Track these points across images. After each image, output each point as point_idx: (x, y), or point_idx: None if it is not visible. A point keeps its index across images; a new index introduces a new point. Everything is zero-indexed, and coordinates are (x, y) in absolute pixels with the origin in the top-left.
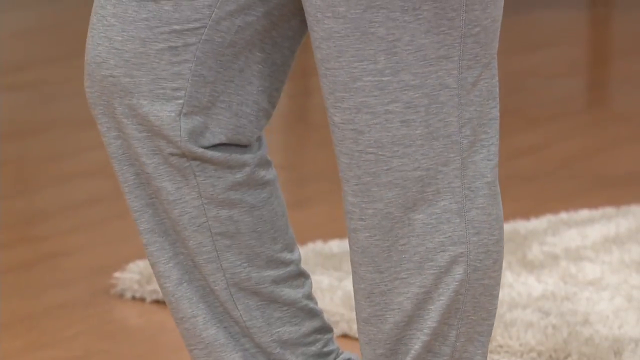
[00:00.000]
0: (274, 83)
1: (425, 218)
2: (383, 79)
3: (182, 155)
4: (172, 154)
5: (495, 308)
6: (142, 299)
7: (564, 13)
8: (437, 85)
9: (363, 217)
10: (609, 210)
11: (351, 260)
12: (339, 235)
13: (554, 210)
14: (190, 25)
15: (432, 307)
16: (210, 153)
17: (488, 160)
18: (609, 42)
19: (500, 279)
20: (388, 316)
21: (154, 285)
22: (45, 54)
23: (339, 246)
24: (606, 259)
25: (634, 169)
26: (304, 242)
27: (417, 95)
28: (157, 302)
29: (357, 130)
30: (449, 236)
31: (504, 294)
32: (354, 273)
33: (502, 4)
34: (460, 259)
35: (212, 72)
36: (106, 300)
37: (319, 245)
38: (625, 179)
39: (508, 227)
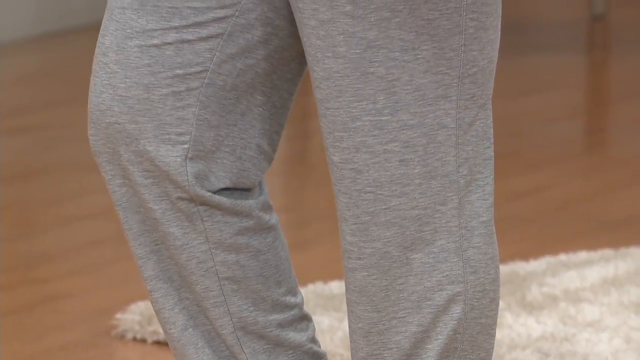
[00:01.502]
0: (274, 126)
1: (423, 257)
2: (382, 118)
3: (190, 199)
4: (180, 199)
5: (492, 347)
6: (144, 340)
7: (562, 57)
8: (435, 125)
9: (361, 257)
10: (608, 252)
11: (348, 300)
12: (339, 276)
13: (553, 252)
14: (193, 69)
15: (430, 346)
16: (217, 198)
17: (484, 199)
18: (607, 87)
19: (496, 317)
20: (386, 355)
21: (155, 326)
22: (47, 99)
23: (339, 287)
24: (605, 300)
25: (632, 212)
26: (304, 283)
27: (415, 134)
28: (159, 343)
29: (356, 170)
30: (447, 275)
31: (503, 334)
32: (351, 312)
33: (497, 45)
34: (458, 297)
35: (216, 116)
36: (108, 342)
37: (319, 286)
38: (624, 221)
39: (507, 268)
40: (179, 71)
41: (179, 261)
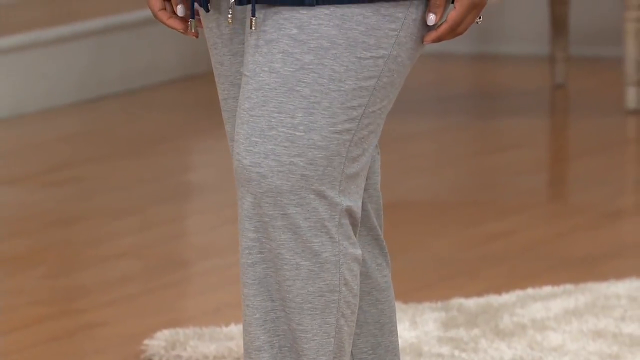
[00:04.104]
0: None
1: (311, 265)
2: (296, 133)
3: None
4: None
5: (349, 353)
6: None
7: (528, 120)
8: (335, 152)
9: (262, 251)
10: (569, 287)
11: (245, 295)
12: None
13: (522, 286)
14: None
15: (307, 345)
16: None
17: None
18: (566, 146)
19: (354, 328)
20: (274, 342)
21: (178, 351)
22: (86, 155)
23: None
24: (567, 328)
25: (590, 252)
26: None
27: (320, 155)
28: None
29: (262, 175)
30: (327, 284)
31: (479, 358)
32: (247, 307)
33: (391, 102)
34: (332, 305)
35: None
36: None
37: None
38: (582, 260)
39: (482, 300)
40: None
41: None
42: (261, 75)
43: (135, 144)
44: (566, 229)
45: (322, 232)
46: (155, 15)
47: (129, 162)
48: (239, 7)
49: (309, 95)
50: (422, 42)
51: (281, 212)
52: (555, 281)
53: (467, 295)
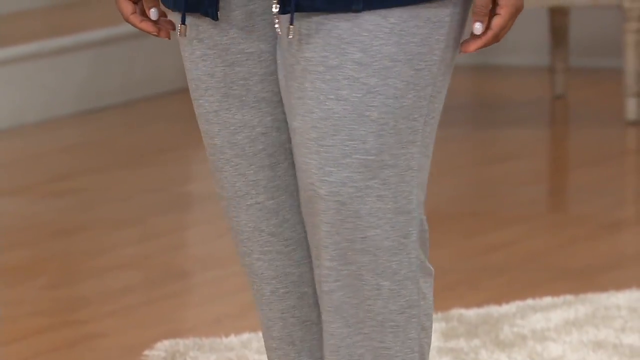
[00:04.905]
0: None
1: (391, 285)
2: (368, 157)
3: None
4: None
5: None
6: None
7: (529, 131)
8: (405, 167)
9: (338, 279)
10: (569, 297)
11: (323, 321)
12: None
13: (522, 297)
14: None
15: None
16: None
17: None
18: (566, 156)
19: (431, 339)
20: None
21: None
22: (86, 166)
23: None
24: (567, 339)
25: (590, 262)
26: None
27: (391, 174)
28: None
29: (340, 202)
30: (407, 300)
31: None
32: (324, 332)
33: (444, 97)
34: (413, 320)
35: None
36: None
37: None
38: (582, 271)
39: (482, 311)
40: (287, 145)
41: (309, 319)
42: (327, 103)
43: (136, 155)
44: (566, 240)
45: (399, 249)
46: (126, 20)
47: (129, 172)
48: (240, 16)
49: (377, 118)
50: (461, 50)
51: (361, 236)
52: (556, 292)
53: (467, 305)
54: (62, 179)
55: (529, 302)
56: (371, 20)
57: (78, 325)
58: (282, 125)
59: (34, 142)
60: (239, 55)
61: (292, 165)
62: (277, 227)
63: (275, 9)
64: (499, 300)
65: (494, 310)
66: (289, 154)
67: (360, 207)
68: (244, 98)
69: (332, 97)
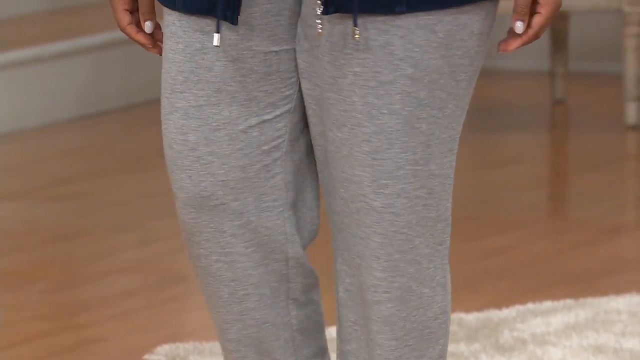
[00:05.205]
0: (317, 177)
1: (428, 291)
2: (417, 167)
3: (285, 260)
4: (276, 260)
5: None
6: None
7: (529, 135)
8: (445, 175)
9: (388, 290)
10: (569, 302)
11: (369, 330)
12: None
13: (522, 301)
14: (274, 143)
15: None
16: (303, 259)
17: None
18: (566, 161)
19: None
20: None
21: None
22: (87, 170)
23: (333, 332)
24: (567, 343)
25: (590, 267)
26: None
27: (436, 182)
28: None
29: (395, 213)
30: (440, 306)
31: None
32: (371, 341)
33: None
34: (444, 325)
35: (293, 177)
36: None
37: None
38: (582, 275)
39: (482, 315)
40: (265, 147)
41: (266, 320)
42: (380, 118)
43: (136, 159)
44: (566, 244)
45: (435, 256)
46: (122, 30)
47: (129, 177)
48: (255, 14)
49: (425, 129)
50: (500, 49)
51: (410, 246)
52: (556, 296)
53: (467, 310)
54: (62, 183)
55: (529, 306)
56: (422, 35)
57: (78, 329)
58: (266, 126)
59: (34, 147)
60: (245, 52)
61: (265, 168)
62: (240, 229)
63: (318, 10)
64: (499, 304)
65: (494, 314)
66: (266, 155)
67: (411, 217)
68: (236, 95)
69: (385, 111)
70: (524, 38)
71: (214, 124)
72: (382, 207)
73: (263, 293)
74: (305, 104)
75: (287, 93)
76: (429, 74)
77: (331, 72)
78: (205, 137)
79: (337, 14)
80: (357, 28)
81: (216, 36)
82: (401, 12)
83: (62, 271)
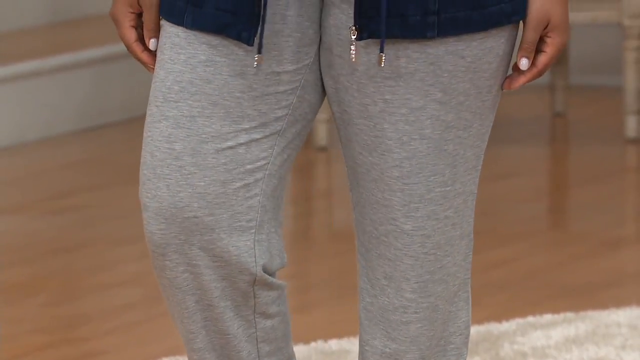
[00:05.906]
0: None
1: (451, 308)
2: (446, 189)
3: (252, 281)
4: (242, 280)
5: None
6: None
7: (529, 148)
8: (469, 192)
9: (418, 311)
10: (569, 315)
11: (395, 350)
12: (337, 335)
13: (523, 314)
14: (259, 163)
15: None
16: (270, 278)
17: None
18: (566, 173)
19: None
20: None
21: None
22: (87, 183)
23: (337, 344)
24: (567, 357)
25: (590, 280)
26: (307, 341)
27: (461, 201)
28: None
29: (426, 235)
30: (464, 321)
31: None
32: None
33: None
34: (466, 340)
35: (269, 200)
36: None
37: (320, 344)
38: (583, 288)
39: (483, 328)
40: (249, 166)
41: (230, 331)
42: (411, 144)
43: (137, 172)
44: (566, 257)
45: (460, 272)
46: (128, 47)
47: (130, 190)
48: (265, 32)
49: (452, 150)
50: (504, 87)
51: (439, 266)
52: (556, 309)
53: None
54: (63, 196)
55: (530, 319)
56: (450, 60)
57: (79, 342)
58: (253, 145)
59: (35, 160)
60: (248, 68)
61: (246, 187)
62: (209, 244)
63: (353, 36)
64: (499, 317)
65: (494, 327)
66: (248, 174)
67: (440, 238)
68: (230, 110)
69: (416, 137)
70: (528, 75)
71: (203, 136)
72: (412, 230)
73: (226, 305)
74: (336, 126)
75: (280, 114)
76: (457, 97)
77: (359, 99)
78: (192, 147)
79: (369, 39)
80: (383, 54)
81: (257, 57)
82: (432, 37)
83: (62, 284)
